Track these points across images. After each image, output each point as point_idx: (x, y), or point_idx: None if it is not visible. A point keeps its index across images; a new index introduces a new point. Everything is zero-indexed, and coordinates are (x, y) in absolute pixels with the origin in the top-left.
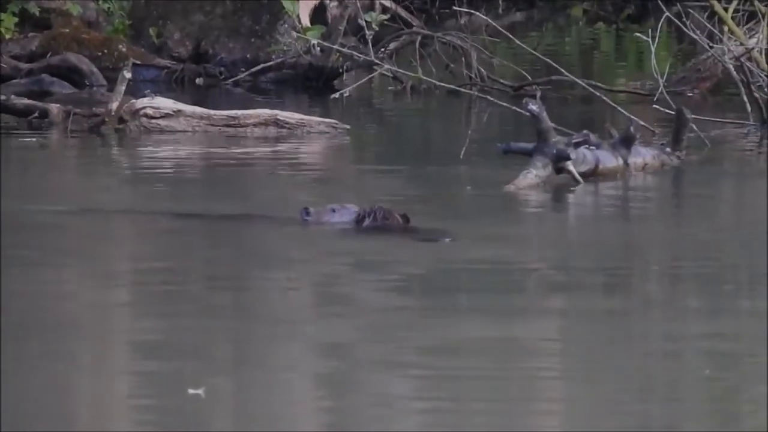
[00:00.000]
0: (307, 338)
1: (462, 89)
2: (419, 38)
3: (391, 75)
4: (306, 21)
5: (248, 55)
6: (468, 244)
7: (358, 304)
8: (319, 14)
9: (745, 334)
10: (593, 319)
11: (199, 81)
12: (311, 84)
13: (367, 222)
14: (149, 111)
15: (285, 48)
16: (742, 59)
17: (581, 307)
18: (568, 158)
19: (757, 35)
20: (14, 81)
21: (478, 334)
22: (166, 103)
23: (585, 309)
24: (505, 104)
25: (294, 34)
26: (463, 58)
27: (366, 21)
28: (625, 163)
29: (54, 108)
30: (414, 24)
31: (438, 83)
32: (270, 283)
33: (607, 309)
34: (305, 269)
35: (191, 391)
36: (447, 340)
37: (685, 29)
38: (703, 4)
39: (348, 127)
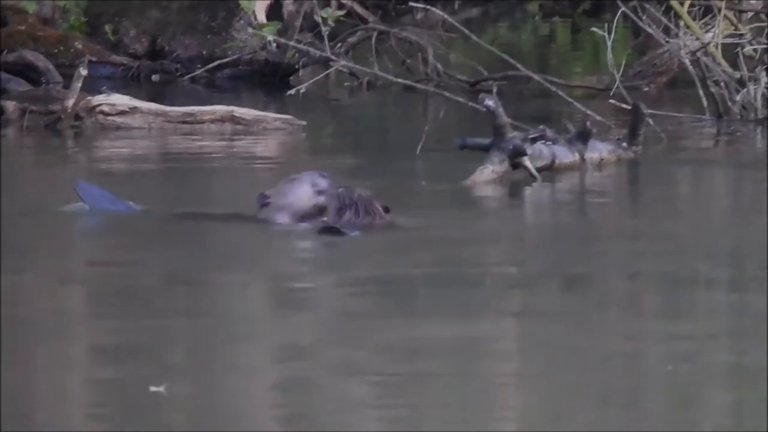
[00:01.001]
0: (265, 340)
1: (418, 85)
2: (375, 34)
3: (348, 71)
4: (262, 17)
5: (204, 52)
6: (424, 240)
7: (316, 305)
8: (275, 10)
9: (704, 334)
10: (551, 319)
11: (155, 77)
12: (267, 80)
13: (348, 215)
14: (105, 108)
15: (241, 44)
16: (699, 54)
17: (539, 306)
18: (525, 153)
19: (713, 30)
20: None
21: (436, 335)
22: (122, 100)
23: (543, 309)
24: (461, 99)
25: (250, 30)
26: (419, 54)
27: (322, 17)
28: (582, 158)
29: (10, 105)
30: (370, 20)
31: (394, 79)
32: (228, 283)
33: (565, 308)
34: (263, 268)
35: (153, 388)
36: (405, 341)
37: (641, 24)
38: None
39: (304, 123)
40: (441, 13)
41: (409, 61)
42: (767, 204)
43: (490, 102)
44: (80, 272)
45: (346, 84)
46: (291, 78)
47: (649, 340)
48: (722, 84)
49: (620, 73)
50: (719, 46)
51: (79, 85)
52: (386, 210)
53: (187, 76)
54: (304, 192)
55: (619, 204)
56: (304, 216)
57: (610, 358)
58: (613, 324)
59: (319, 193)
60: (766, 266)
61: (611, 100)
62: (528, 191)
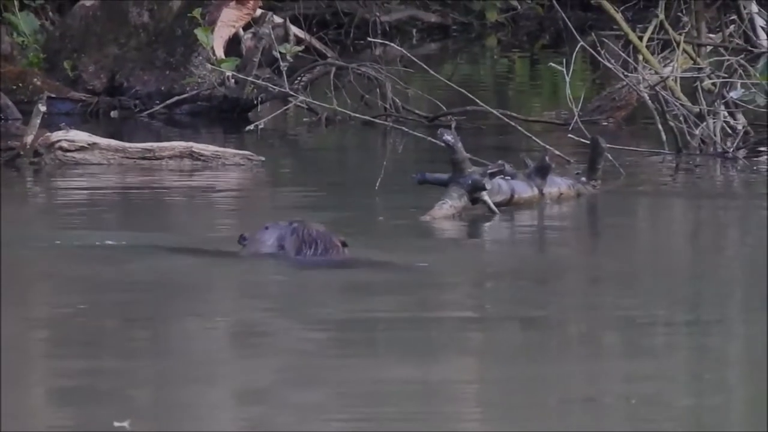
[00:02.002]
0: (226, 381)
1: (377, 120)
2: (334, 69)
3: (306, 106)
4: (220, 53)
5: (163, 88)
6: (383, 277)
7: (278, 345)
8: (233, 46)
9: (665, 376)
10: (511, 358)
11: (114, 114)
12: (226, 116)
13: (307, 253)
14: (64, 144)
15: (199, 80)
16: (657, 88)
17: (499, 347)
18: (484, 188)
19: (671, 64)
20: None
21: (397, 376)
22: (81, 136)
23: (502, 348)
24: (420, 135)
25: (208, 66)
26: (378, 89)
27: (280, 52)
28: (541, 192)
29: None
30: (328, 55)
31: (353, 114)
32: (189, 321)
33: (524, 347)
34: (225, 306)
35: (116, 424)
36: (367, 383)
37: (599, 58)
38: (617, 33)
39: (263, 158)
40: (399, 48)
41: (367, 96)
42: (728, 237)
43: (448, 137)
44: (42, 312)
45: (304, 119)
46: (250, 113)
47: (608, 381)
48: (681, 118)
49: (579, 108)
50: (678, 80)
51: (38, 121)
52: (344, 245)
53: (146, 112)
54: (269, 240)
55: (577, 240)
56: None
57: (571, 401)
58: (573, 365)
59: (281, 247)
60: (724, 304)
61: (570, 135)
62: (487, 226)
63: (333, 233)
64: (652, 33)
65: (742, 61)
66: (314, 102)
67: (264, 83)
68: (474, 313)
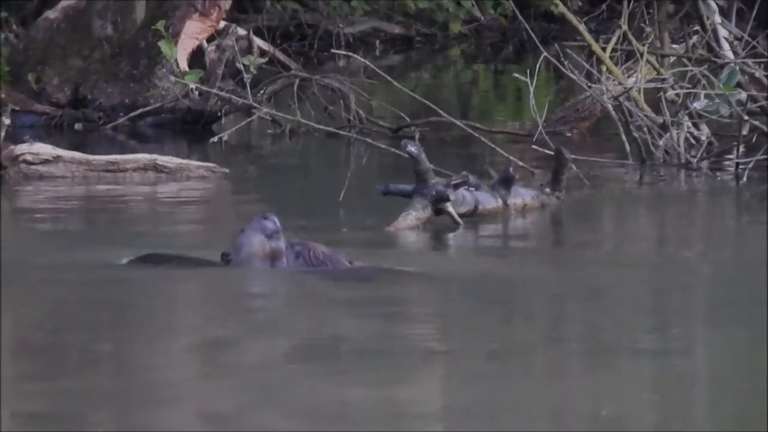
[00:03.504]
0: (190, 403)
1: (341, 131)
2: (297, 81)
3: (270, 118)
4: (184, 65)
5: (127, 100)
6: (348, 294)
7: (243, 366)
8: (197, 58)
9: (628, 397)
10: (475, 382)
11: (78, 126)
12: (190, 128)
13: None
14: (28, 157)
15: (163, 92)
16: (621, 99)
17: (463, 369)
18: (448, 200)
19: (635, 75)
20: None
21: (361, 397)
22: (45, 149)
23: (466, 372)
24: (383, 146)
25: (172, 78)
26: (341, 101)
27: (244, 64)
28: (505, 203)
29: None
30: (292, 67)
31: (317, 126)
32: (155, 341)
33: (489, 371)
34: (191, 326)
35: None
36: (331, 404)
37: (563, 69)
38: (580, 43)
39: (227, 170)
40: (362, 59)
41: (331, 107)
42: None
43: (412, 148)
44: (5, 330)
45: (268, 131)
46: (214, 126)
47: (573, 400)
48: (645, 129)
49: (543, 119)
50: (642, 91)
51: (2, 134)
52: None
53: (110, 125)
54: (256, 241)
55: (541, 252)
56: (263, 263)
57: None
58: (538, 386)
59: (270, 236)
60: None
61: (534, 146)
62: (450, 237)
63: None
64: (616, 44)
65: (706, 72)
66: (278, 114)
67: (228, 95)
68: (438, 329)
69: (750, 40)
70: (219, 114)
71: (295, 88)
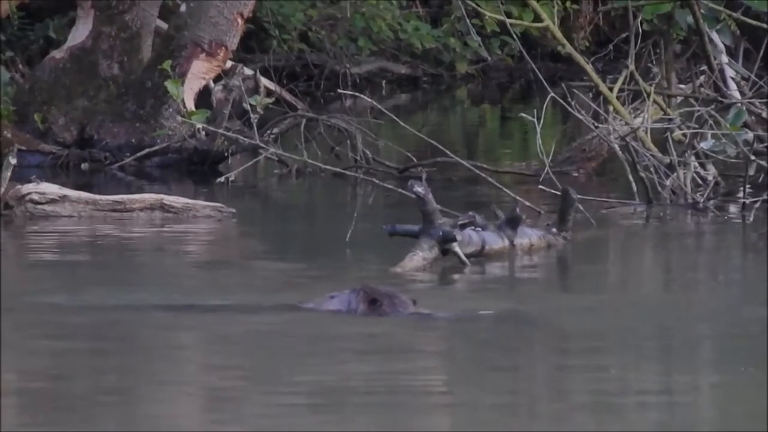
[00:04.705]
0: None
1: (347, 171)
2: (304, 121)
3: (277, 158)
4: (191, 105)
5: (133, 140)
6: (356, 336)
7: (246, 410)
8: (203, 98)
9: None
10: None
11: (84, 166)
12: (197, 168)
13: (378, 309)
14: (35, 197)
15: (170, 132)
16: (628, 139)
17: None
18: (454, 240)
19: (642, 114)
20: None
21: None
22: (51, 189)
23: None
24: (390, 186)
25: (179, 118)
26: (348, 141)
27: (251, 104)
28: (512, 244)
29: None
30: (299, 107)
31: (323, 166)
32: (161, 387)
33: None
34: (194, 369)
35: None
36: None
37: (570, 109)
38: (587, 83)
39: (234, 210)
40: (369, 99)
41: (337, 148)
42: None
43: (419, 188)
44: (9, 376)
45: (275, 171)
46: (220, 166)
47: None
48: (652, 169)
49: (549, 159)
50: (648, 131)
51: (9, 174)
52: (414, 303)
53: (116, 165)
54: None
55: (548, 291)
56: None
57: None
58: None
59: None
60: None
61: (540, 186)
62: (458, 278)
63: (401, 291)
64: (623, 84)
65: (713, 112)
66: (284, 154)
67: (234, 135)
68: (444, 382)
69: (757, 80)
70: (226, 154)
71: (302, 128)
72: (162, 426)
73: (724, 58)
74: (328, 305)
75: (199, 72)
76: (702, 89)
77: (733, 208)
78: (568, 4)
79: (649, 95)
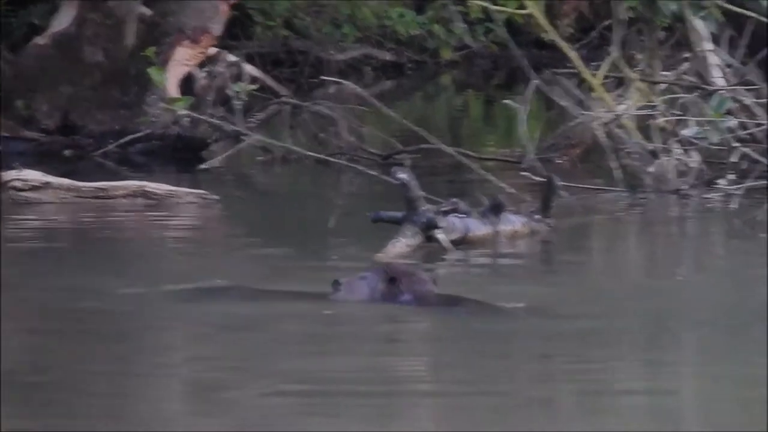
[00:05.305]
0: None
1: (331, 158)
2: (288, 108)
3: (260, 145)
4: (174, 92)
5: (117, 127)
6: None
7: (235, 403)
8: (187, 85)
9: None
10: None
11: (67, 153)
12: (180, 155)
13: (399, 287)
14: (17, 183)
15: (153, 119)
16: (612, 126)
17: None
18: (438, 226)
19: (626, 102)
20: None
21: None
22: (34, 176)
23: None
24: (374, 173)
25: (162, 105)
26: (332, 128)
27: (234, 91)
28: (495, 230)
29: None
30: (283, 93)
31: (307, 153)
32: (145, 378)
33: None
34: (182, 360)
35: None
36: None
37: (554, 96)
38: (571, 71)
39: (217, 197)
40: (354, 86)
41: (322, 134)
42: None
43: (403, 175)
44: None
45: (258, 158)
46: (203, 152)
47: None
48: (635, 156)
49: (533, 146)
50: (632, 118)
51: None
52: (434, 282)
53: (100, 151)
54: (365, 292)
55: (531, 277)
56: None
57: None
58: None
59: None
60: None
61: (524, 173)
62: (441, 264)
63: (422, 270)
64: (607, 71)
65: (696, 99)
66: (268, 140)
67: (218, 122)
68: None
69: (741, 67)
70: (209, 141)
71: (286, 114)
72: (145, 417)
73: (708, 45)
74: (354, 289)
75: (183, 59)
76: (685, 76)
77: (716, 195)
78: None
79: (632, 82)
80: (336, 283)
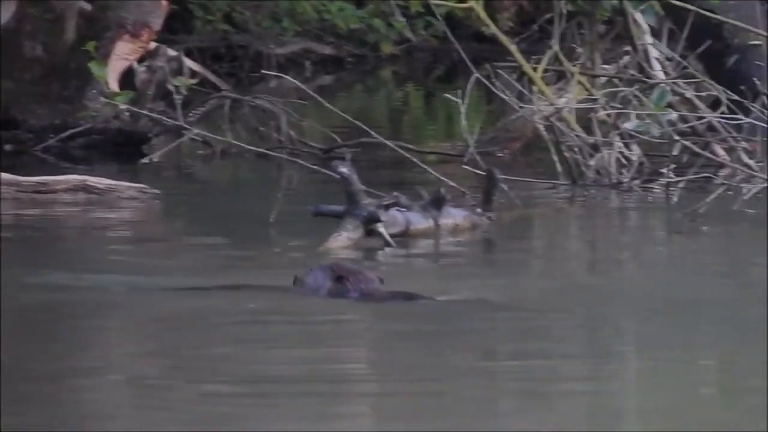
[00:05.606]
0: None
1: (272, 152)
2: (228, 102)
3: (201, 139)
4: (114, 86)
5: (57, 121)
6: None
7: (176, 395)
8: (127, 79)
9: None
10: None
11: (7, 147)
12: (121, 149)
13: (346, 285)
14: None
15: (94, 113)
16: (552, 119)
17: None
18: (379, 220)
19: (566, 95)
20: None
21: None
22: None
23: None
24: (315, 167)
25: (103, 99)
26: (272, 122)
27: (174, 85)
28: (436, 224)
29: None
30: (223, 88)
31: (247, 147)
32: (82, 375)
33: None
34: (122, 356)
35: None
36: None
37: (494, 89)
38: (512, 64)
39: (158, 192)
40: (293, 80)
41: (262, 129)
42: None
43: (343, 169)
44: None
45: (199, 152)
46: (144, 147)
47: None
48: (576, 149)
49: (474, 139)
50: (573, 111)
51: None
52: (381, 281)
53: (40, 146)
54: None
55: (473, 271)
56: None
57: None
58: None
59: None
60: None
61: (465, 166)
62: (382, 258)
63: (367, 270)
64: (547, 64)
65: (637, 92)
66: (209, 135)
67: (158, 116)
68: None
69: (681, 60)
70: (149, 135)
71: (226, 109)
72: (85, 414)
73: (649, 39)
74: (305, 283)
75: (123, 53)
76: (626, 69)
77: (657, 188)
78: None
79: (573, 75)
80: (297, 279)
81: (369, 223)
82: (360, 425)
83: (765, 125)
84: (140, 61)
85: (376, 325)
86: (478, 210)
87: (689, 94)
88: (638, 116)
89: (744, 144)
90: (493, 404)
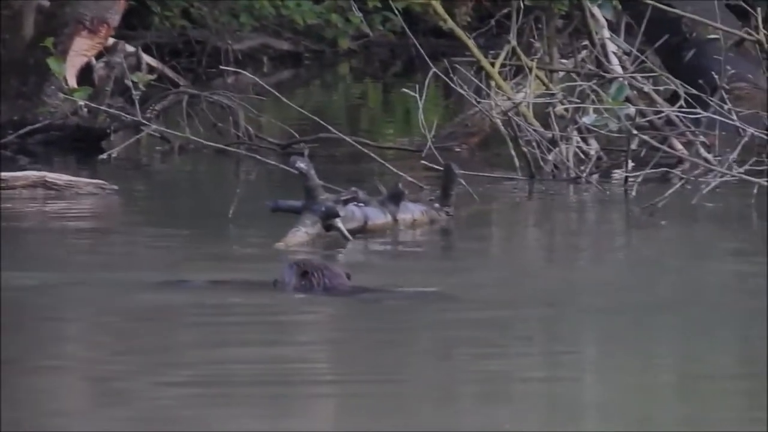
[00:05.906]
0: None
1: (230, 148)
2: (186, 98)
3: (159, 135)
4: (73, 82)
5: (15, 117)
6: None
7: (138, 395)
8: (86, 75)
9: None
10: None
11: None
12: (79, 145)
13: (312, 281)
14: None
15: (52, 109)
16: (510, 114)
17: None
18: (337, 215)
19: (524, 90)
20: None
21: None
22: None
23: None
24: (273, 162)
25: (61, 95)
26: (230, 117)
27: (133, 81)
28: (394, 219)
29: None
30: (181, 84)
31: (206, 142)
32: (41, 370)
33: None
34: (84, 353)
35: None
36: None
37: (452, 84)
38: (470, 59)
39: (116, 187)
40: (251, 76)
41: (220, 124)
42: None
43: (301, 164)
44: None
45: (157, 148)
46: (103, 143)
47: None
48: (534, 143)
49: (432, 134)
50: (531, 106)
51: None
52: (348, 276)
53: None
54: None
55: (431, 266)
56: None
57: None
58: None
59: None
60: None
61: (423, 161)
62: (340, 253)
63: (334, 265)
64: (505, 59)
65: (595, 87)
66: (167, 131)
67: (116, 112)
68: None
69: (639, 54)
70: (108, 131)
71: (184, 104)
72: (43, 410)
73: (606, 33)
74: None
75: (81, 49)
76: (584, 64)
77: (615, 183)
78: None
79: (531, 70)
80: (276, 282)
81: (327, 219)
82: (317, 424)
83: (723, 119)
84: (98, 57)
85: (335, 321)
86: (436, 205)
87: (647, 88)
88: (596, 111)
89: (702, 138)
90: (451, 400)
